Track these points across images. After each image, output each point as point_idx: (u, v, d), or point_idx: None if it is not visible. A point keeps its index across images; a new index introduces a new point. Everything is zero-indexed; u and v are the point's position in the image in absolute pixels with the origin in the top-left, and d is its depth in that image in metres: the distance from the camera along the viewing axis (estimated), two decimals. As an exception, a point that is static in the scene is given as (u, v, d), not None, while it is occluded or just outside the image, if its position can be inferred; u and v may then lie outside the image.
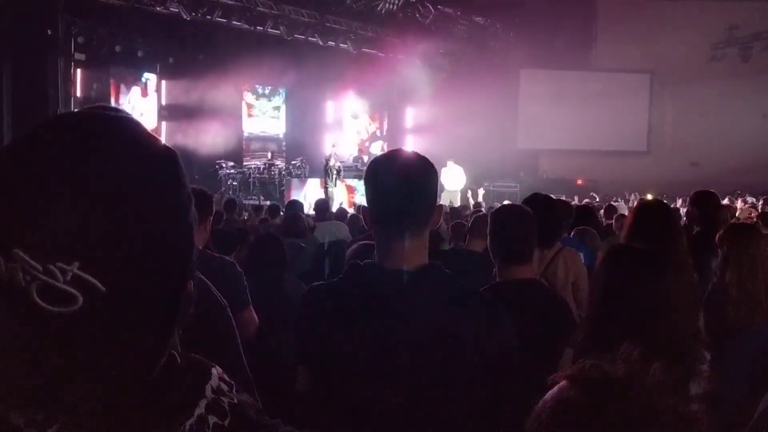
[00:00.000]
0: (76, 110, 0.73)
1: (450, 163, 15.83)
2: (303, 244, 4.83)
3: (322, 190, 14.61)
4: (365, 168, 1.72)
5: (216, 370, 0.79)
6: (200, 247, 2.85)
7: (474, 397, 1.54)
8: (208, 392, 0.75)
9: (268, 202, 12.25)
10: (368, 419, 1.51)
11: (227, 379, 0.80)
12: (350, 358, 1.52)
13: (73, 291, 0.63)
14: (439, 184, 1.70)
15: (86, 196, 0.64)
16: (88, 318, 0.64)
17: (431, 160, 1.65)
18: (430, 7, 17.63)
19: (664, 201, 4.66)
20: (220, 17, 15.42)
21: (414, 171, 1.60)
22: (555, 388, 0.79)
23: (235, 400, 0.77)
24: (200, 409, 0.73)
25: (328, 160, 14.69)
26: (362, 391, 1.51)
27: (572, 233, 4.34)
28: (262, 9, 15.70)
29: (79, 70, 14.61)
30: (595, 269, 2.04)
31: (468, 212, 8.56)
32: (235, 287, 2.92)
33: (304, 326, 1.66)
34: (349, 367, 1.52)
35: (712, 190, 4.20)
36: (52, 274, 0.62)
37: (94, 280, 0.63)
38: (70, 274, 0.62)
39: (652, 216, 2.89)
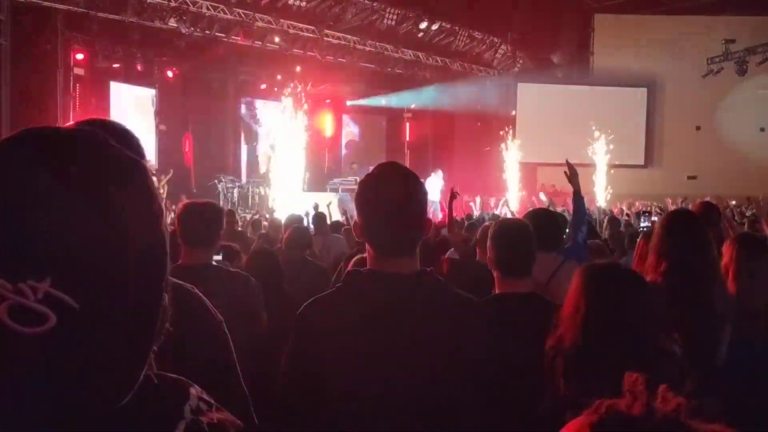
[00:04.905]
0: (40, 126, 0.72)
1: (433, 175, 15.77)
2: (309, 257, 4.85)
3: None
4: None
5: (194, 389, 0.76)
6: (213, 262, 2.87)
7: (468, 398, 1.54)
8: (187, 413, 0.72)
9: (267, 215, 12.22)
10: (370, 425, 1.50)
11: (206, 398, 0.77)
12: (353, 366, 1.52)
13: (45, 310, 0.60)
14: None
15: (54, 211, 0.62)
16: (61, 337, 0.61)
17: (429, 169, 1.68)
18: (429, 22, 17.72)
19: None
20: (218, 32, 15.48)
21: (402, 193, 1.64)
22: None
23: (215, 420, 0.75)
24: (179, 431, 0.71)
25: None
26: (365, 396, 1.50)
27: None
28: (261, 24, 15.77)
29: (78, 85, 14.64)
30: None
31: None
32: (258, 298, 3.08)
33: (304, 341, 1.63)
34: (350, 374, 1.52)
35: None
36: (23, 293, 0.60)
37: (67, 297, 0.61)
38: (42, 291, 0.60)
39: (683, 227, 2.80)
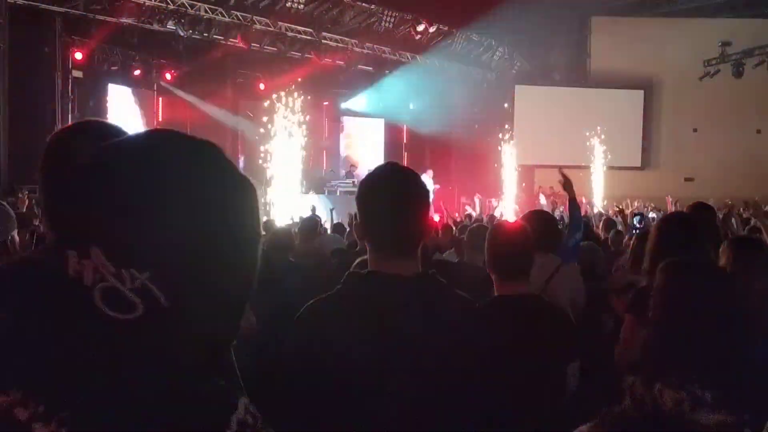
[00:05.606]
0: (169, 130, 0.75)
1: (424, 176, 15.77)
2: (292, 259, 4.81)
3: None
4: (358, 185, 1.71)
5: (243, 401, 0.75)
6: None
7: (469, 401, 1.54)
8: (233, 424, 0.71)
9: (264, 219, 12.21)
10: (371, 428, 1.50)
11: (253, 410, 0.76)
12: (353, 369, 1.50)
13: (136, 299, 0.63)
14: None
15: (174, 212, 0.65)
16: (142, 329, 0.63)
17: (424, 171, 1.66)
18: (426, 25, 17.74)
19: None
20: (216, 35, 15.48)
21: (407, 193, 1.60)
22: None
23: None
24: None
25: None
26: (365, 398, 1.50)
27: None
28: (258, 27, 15.78)
29: (76, 87, 14.62)
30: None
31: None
32: None
33: (303, 344, 1.61)
34: (351, 377, 1.50)
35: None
36: (121, 278, 0.62)
37: (160, 293, 0.63)
38: (139, 281, 0.63)
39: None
